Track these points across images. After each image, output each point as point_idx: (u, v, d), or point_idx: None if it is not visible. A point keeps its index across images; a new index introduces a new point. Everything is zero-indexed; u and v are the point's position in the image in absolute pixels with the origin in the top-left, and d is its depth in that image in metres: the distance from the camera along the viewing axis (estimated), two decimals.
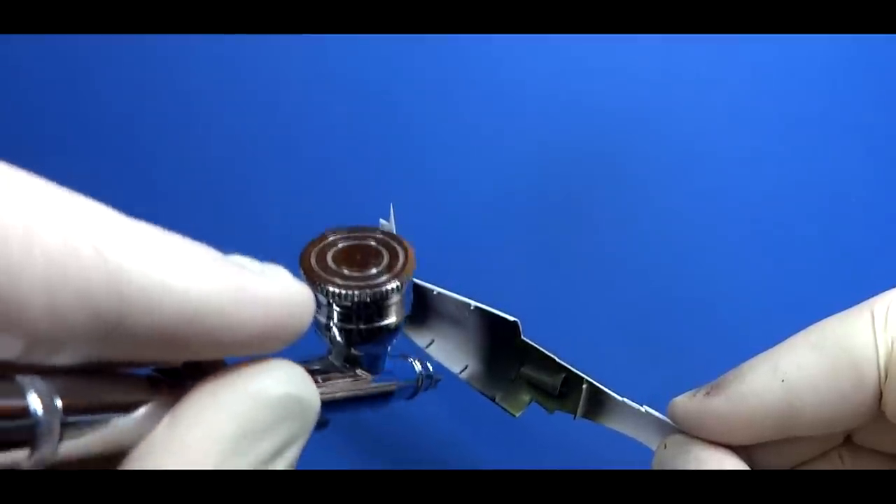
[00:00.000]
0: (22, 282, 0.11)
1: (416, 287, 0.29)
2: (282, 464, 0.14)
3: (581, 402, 0.27)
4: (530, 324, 0.28)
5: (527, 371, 0.28)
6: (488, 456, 0.41)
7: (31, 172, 0.12)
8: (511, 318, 0.27)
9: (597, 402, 0.27)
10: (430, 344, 0.29)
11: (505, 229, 0.44)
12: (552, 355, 0.27)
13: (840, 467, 0.22)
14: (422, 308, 0.29)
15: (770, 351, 0.21)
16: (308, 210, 0.45)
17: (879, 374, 0.19)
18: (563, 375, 0.27)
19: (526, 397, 0.28)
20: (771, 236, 0.44)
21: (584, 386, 0.27)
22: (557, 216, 0.44)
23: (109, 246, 0.12)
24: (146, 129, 0.45)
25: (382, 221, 0.28)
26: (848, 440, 0.22)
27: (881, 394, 0.19)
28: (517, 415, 0.28)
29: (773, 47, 0.45)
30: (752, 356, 0.22)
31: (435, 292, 0.28)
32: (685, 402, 0.23)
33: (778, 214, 0.44)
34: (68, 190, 0.12)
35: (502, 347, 0.28)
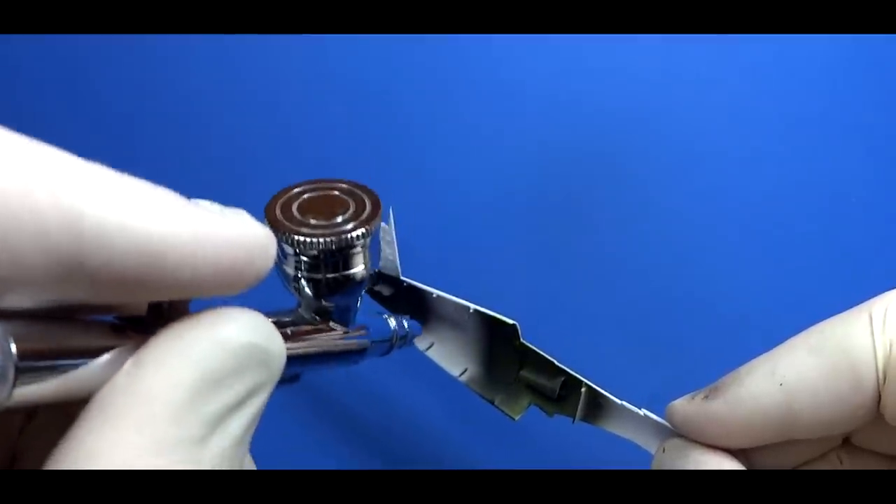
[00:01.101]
0: None
1: (415, 290, 0.29)
2: (245, 413, 0.14)
3: (580, 406, 0.27)
4: (530, 324, 0.28)
5: (526, 374, 0.28)
6: (486, 457, 0.41)
7: None
8: (510, 321, 0.27)
9: (596, 406, 0.27)
10: (430, 347, 0.30)
11: (505, 229, 0.44)
12: (551, 358, 0.27)
13: (839, 468, 0.22)
14: (421, 311, 0.29)
15: (768, 354, 0.21)
16: None
17: (878, 377, 0.19)
18: (562, 379, 0.27)
19: (525, 401, 0.28)
20: (771, 236, 0.44)
21: (583, 389, 0.27)
22: (557, 216, 0.44)
23: (66, 188, 0.12)
24: (146, 129, 0.45)
25: (382, 225, 0.28)
26: (847, 441, 0.22)
27: (879, 396, 0.19)
28: (516, 418, 0.28)
29: (773, 47, 0.45)
30: (752, 357, 0.22)
31: (434, 295, 0.28)
32: (684, 406, 0.23)
33: (778, 214, 0.44)
34: (25, 136, 0.12)
35: (501, 350, 0.28)
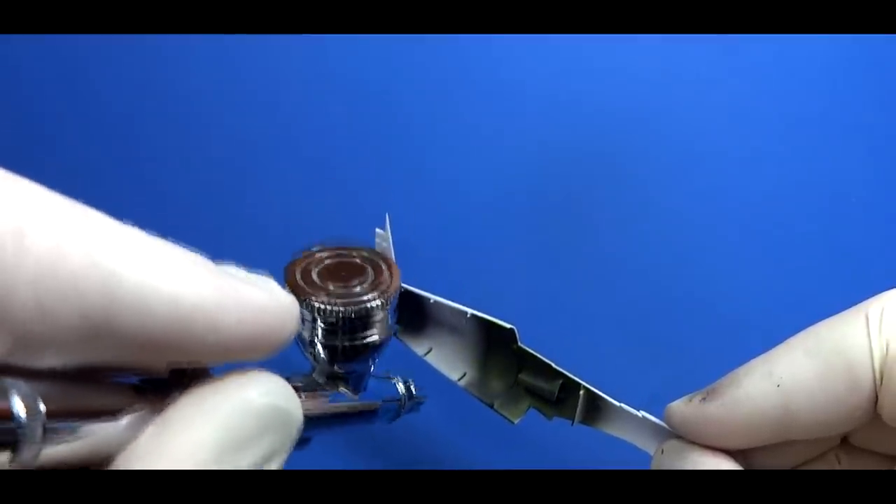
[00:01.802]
0: (11, 281, 0.11)
1: (413, 295, 0.28)
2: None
3: (579, 408, 0.27)
4: (530, 325, 0.28)
5: (524, 378, 0.28)
6: (485, 458, 0.41)
7: (28, 177, 0.12)
8: (507, 325, 0.27)
9: (594, 408, 0.27)
10: (429, 352, 0.29)
11: (504, 230, 0.44)
12: (549, 362, 0.27)
13: (837, 468, 0.22)
14: (419, 316, 0.29)
15: (765, 355, 0.21)
16: (307, 210, 0.45)
17: (874, 378, 0.19)
18: (561, 381, 0.27)
19: (524, 404, 0.28)
20: (771, 236, 0.44)
21: (581, 392, 0.27)
22: (557, 216, 0.44)
23: (101, 249, 0.12)
24: (146, 129, 0.45)
25: (378, 231, 0.28)
26: (845, 441, 0.22)
27: (877, 397, 0.19)
28: (515, 421, 0.28)
29: (773, 47, 0.45)
30: (752, 357, 0.22)
31: (431, 301, 0.28)
32: (682, 407, 0.23)
33: (778, 214, 0.44)
34: (61, 195, 0.13)
35: (500, 354, 0.28)
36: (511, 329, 0.27)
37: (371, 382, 0.24)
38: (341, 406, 0.21)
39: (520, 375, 0.28)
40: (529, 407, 0.28)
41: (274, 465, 0.15)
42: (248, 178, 0.45)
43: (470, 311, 0.28)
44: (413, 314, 0.29)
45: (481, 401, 0.29)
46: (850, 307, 0.21)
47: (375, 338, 0.20)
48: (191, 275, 0.13)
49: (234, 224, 0.44)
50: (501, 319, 0.27)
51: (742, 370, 0.22)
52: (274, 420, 0.15)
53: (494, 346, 0.28)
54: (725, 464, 0.22)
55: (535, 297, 0.43)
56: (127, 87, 0.46)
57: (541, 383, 0.28)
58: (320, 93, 0.46)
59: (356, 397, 0.22)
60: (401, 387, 0.27)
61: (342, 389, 0.21)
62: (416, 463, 0.42)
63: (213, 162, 0.45)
